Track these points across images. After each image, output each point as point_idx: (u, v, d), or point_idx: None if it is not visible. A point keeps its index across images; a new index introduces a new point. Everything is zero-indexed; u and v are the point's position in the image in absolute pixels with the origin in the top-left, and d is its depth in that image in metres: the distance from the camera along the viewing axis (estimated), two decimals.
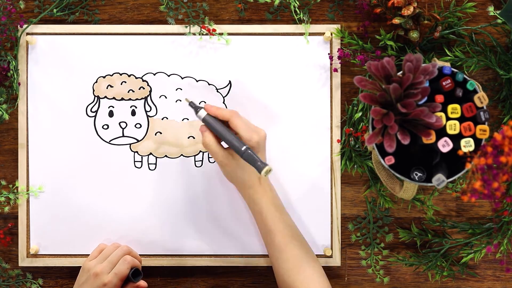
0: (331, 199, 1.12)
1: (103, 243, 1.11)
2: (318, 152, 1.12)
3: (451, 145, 0.92)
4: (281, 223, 1.05)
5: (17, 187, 1.12)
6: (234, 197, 1.12)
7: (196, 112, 1.04)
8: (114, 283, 1.03)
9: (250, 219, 1.12)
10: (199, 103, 1.11)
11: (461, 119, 0.94)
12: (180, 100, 1.12)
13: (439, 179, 0.93)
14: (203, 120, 1.04)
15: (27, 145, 1.12)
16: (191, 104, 1.05)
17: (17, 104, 1.11)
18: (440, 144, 0.93)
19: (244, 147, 1.00)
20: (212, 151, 1.03)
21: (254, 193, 1.05)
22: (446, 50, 1.09)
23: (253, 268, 1.13)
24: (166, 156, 1.12)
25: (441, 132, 0.93)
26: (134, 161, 1.12)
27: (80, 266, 1.12)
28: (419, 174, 0.95)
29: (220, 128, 1.03)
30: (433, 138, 0.92)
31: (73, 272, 1.13)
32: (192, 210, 1.12)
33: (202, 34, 1.12)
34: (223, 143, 1.04)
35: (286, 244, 1.04)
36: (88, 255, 1.11)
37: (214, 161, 1.10)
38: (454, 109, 0.94)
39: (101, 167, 1.12)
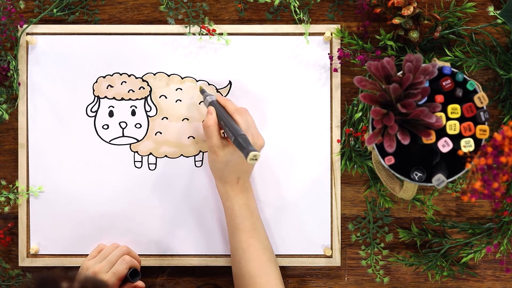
0: (331, 199, 1.12)
1: (102, 243, 1.11)
2: (318, 152, 1.12)
3: (451, 145, 0.92)
4: (249, 223, 1.05)
5: (17, 187, 1.12)
6: None
7: (205, 96, 1.07)
8: (112, 283, 1.03)
9: None
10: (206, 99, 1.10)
11: (461, 119, 0.94)
12: (180, 100, 1.12)
13: (439, 179, 0.93)
14: (211, 103, 1.05)
15: (27, 145, 1.12)
16: (202, 90, 1.08)
17: (17, 104, 1.11)
18: (440, 144, 0.93)
19: (241, 133, 0.99)
20: (209, 134, 1.03)
21: (230, 190, 1.06)
22: (446, 50, 1.09)
23: None
24: (166, 156, 1.12)
25: (441, 132, 0.93)
26: (134, 161, 1.12)
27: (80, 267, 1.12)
28: (419, 174, 0.95)
29: (224, 113, 1.03)
30: (433, 138, 0.92)
31: (73, 272, 1.13)
32: (192, 210, 1.12)
33: (202, 34, 1.12)
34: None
35: (251, 244, 1.05)
36: (88, 255, 1.11)
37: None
38: (454, 109, 0.94)
39: (101, 167, 1.12)
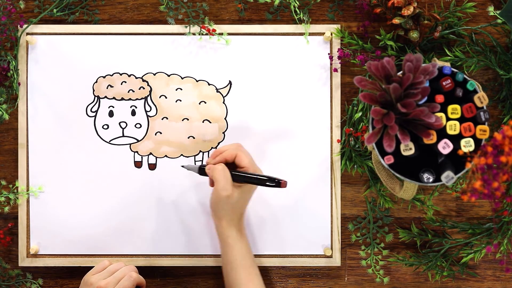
0: (331, 199, 1.12)
1: (107, 260, 1.10)
2: (318, 152, 1.12)
3: (451, 146, 0.92)
4: (249, 260, 1.06)
5: (17, 187, 1.12)
6: None
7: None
8: None
9: (249, 219, 1.12)
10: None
11: (461, 120, 0.94)
12: (180, 100, 1.12)
13: (448, 176, 0.93)
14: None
15: (27, 145, 1.12)
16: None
17: (17, 104, 1.11)
18: (441, 146, 0.93)
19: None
20: (221, 177, 1.02)
21: (235, 228, 1.05)
22: (446, 50, 1.09)
23: None
24: (166, 156, 1.12)
25: (442, 133, 0.93)
26: (134, 161, 1.12)
27: (80, 267, 1.12)
28: (429, 176, 0.95)
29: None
30: (433, 138, 0.92)
31: (73, 272, 1.13)
32: (192, 210, 1.12)
33: (202, 34, 1.12)
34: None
35: (250, 280, 1.05)
36: (88, 255, 1.11)
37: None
38: (454, 109, 0.94)
39: (101, 167, 1.12)
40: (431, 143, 0.92)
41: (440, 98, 0.94)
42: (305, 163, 1.12)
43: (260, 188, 1.12)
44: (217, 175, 1.02)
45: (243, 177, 1.03)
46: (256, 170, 1.05)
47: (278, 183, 1.01)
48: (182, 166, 1.11)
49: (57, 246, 1.12)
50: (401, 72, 0.92)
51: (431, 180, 0.95)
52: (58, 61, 1.12)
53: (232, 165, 1.05)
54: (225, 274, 1.07)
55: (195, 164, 1.11)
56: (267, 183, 1.02)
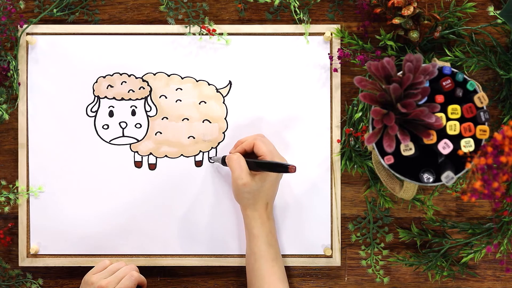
0: (331, 199, 1.12)
1: (108, 259, 1.10)
2: (318, 152, 1.12)
3: (451, 146, 0.92)
4: (273, 251, 1.06)
5: (17, 187, 1.12)
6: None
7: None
8: None
9: None
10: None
11: (461, 120, 0.94)
12: (180, 100, 1.12)
13: (448, 176, 0.93)
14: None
15: (27, 145, 1.12)
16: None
17: (17, 104, 1.11)
18: (441, 146, 0.93)
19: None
20: (236, 165, 1.04)
21: (259, 217, 1.06)
22: (446, 50, 1.09)
23: None
24: (166, 156, 1.12)
25: (442, 133, 0.93)
26: (134, 161, 1.12)
27: (80, 267, 1.12)
28: (429, 176, 0.95)
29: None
30: (433, 138, 0.92)
31: (73, 272, 1.13)
32: (192, 210, 1.12)
33: (202, 34, 1.12)
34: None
35: (272, 273, 1.05)
36: (88, 255, 1.11)
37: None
38: (454, 109, 0.94)
39: (101, 167, 1.12)
40: (431, 143, 0.92)
41: (440, 98, 0.94)
42: (305, 163, 1.12)
43: None
44: (232, 164, 1.04)
45: (255, 164, 1.04)
46: (275, 158, 1.05)
47: (286, 168, 1.01)
48: (210, 159, 1.12)
49: (57, 246, 1.12)
50: (401, 72, 0.92)
51: (431, 180, 0.95)
52: (58, 61, 1.12)
53: (253, 155, 1.07)
54: (247, 264, 1.07)
55: (216, 155, 1.13)
56: (277, 169, 1.02)
